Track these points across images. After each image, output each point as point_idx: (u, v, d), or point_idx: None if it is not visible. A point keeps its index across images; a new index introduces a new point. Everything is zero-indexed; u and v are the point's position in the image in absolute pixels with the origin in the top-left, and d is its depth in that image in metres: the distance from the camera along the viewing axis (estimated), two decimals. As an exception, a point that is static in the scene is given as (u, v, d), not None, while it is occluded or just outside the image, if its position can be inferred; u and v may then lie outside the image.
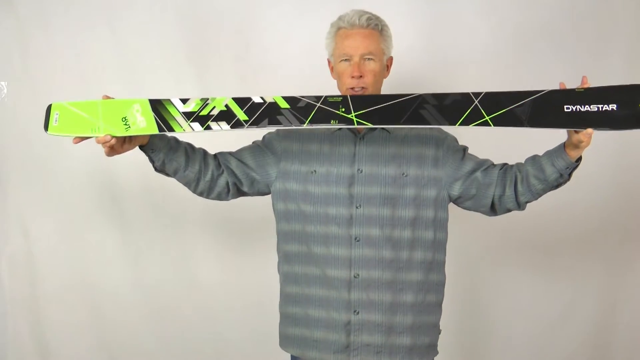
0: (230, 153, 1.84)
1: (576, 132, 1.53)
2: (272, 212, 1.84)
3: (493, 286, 2.65)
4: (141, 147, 1.69)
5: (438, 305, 1.81)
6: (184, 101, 1.64)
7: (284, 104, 1.62)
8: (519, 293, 2.64)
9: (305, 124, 1.61)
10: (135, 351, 2.71)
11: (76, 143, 1.64)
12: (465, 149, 1.81)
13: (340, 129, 1.77)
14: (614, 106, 1.51)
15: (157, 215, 2.67)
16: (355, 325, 1.72)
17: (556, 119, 1.53)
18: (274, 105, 1.62)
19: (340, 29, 1.74)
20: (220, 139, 1.79)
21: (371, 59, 1.71)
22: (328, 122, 1.61)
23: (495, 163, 1.77)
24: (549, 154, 1.64)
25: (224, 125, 1.62)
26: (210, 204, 1.94)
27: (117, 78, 2.58)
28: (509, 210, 1.77)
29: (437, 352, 1.84)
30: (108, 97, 1.65)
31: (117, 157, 1.68)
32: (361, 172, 1.73)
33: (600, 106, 1.51)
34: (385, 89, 1.77)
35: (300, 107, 1.62)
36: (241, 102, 1.63)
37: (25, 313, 2.71)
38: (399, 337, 1.73)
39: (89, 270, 2.69)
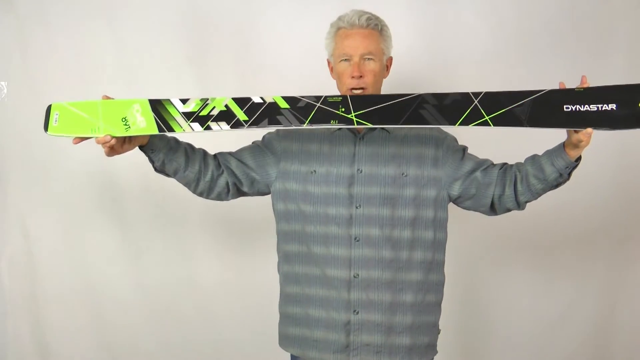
0: (230, 153, 1.84)
1: (576, 131, 1.53)
2: (272, 212, 1.84)
3: (493, 286, 2.65)
4: (141, 148, 1.69)
5: (437, 305, 1.81)
6: (184, 101, 1.64)
7: (283, 104, 1.62)
8: (518, 293, 2.64)
9: (305, 124, 1.61)
10: (135, 351, 2.71)
11: (76, 143, 1.64)
12: (464, 148, 1.81)
13: (340, 129, 1.77)
14: (613, 106, 1.51)
15: (157, 215, 2.67)
16: (355, 325, 1.72)
17: (556, 119, 1.53)
18: (273, 106, 1.62)
19: (340, 29, 1.74)
20: (220, 139, 1.79)
21: (371, 59, 1.71)
22: (328, 122, 1.60)
23: (494, 163, 1.77)
24: (549, 153, 1.64)
25: (223, 125, 1.62)
26: (210, 204, 1.94)
27: (117, 78, 2.58)
28: (508, 210, 1.77)
29: (436, 352, 1.84)
30: (108, 98, 1.65)
31: (117, 157, 1.68)
32: (361, 172, 1.73)
33: (599, 106, 1.51)
34: (385, 89, 1.77)
35: (300, 107, 1.62)
36: (241, 102, 1.63)
37: (25, 313, 2.71)
38: (399, 337, 1.73)
39: (89, 270, 2.69)
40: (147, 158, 1.73)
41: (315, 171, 1.75)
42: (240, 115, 1.62)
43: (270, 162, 1.81)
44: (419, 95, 1.60)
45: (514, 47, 2.52)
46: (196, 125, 1.62)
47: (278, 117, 1.62)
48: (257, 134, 1.82)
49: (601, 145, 1.81)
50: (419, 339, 1.76)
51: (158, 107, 1.63)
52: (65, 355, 2.71)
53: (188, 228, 2.68)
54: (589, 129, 1.51)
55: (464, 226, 2.30)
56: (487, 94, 1.57)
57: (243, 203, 2.05)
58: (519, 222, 2.40)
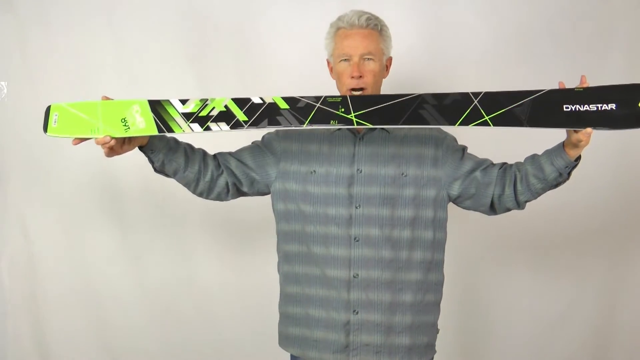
0: (229, 153, 1.84)
1: (575, 131, 1.53)
2: (272, 212, 1.84)
3: (492, 286, 2.65)
4: (140, 148, 1.69)
5: (437, 305, 1.81)
6: (183, 102, 1.64)
7: (283, 105, 1.62)
8: (518, 293, 2.64)
9: (305, 125, 1.61)
10: (135, 351, 2.71)
11: (76, 144, 1.64)
12: (464, 148, 1.80)
13: (339, 129, 1.77)
14: (613, 105, 1.51)
15: (157, 216, 2.67)
16: (354, 325, 1.72)
17: (555, 119, 1.53)
18: (273, 106, 1.62)
19: (340, 29, 1.74)
20: (220, 140, 1.79)
21: (371, 59, 1.71)
22: (328, 122, 1.60)
23: (494, 162, 1.77)
24: (548, 153, 1.64)
25: (223, 126, 1.62)
26: (210, 204, 1.94)
27: (116, 78, 2.58)
28: (508, 210, 1.77)
29: (435, 352, 1.84)
30: (107, 98, 1.65)
31: (117, 157, 1.68)
32: (360, 172, 1.73)
33: (599, 105, 1.51)
34: (385, 89, 1.77)
35: (299, 108, 1.62)
36: (241, 102, 1.63)
37: (26, 313, 2.71)
38: (398, 336, 1.73)
39: (89, 270, 2.69)
40: (146, 158, 1.73)
41: (315, 171, 1.75)
42: (240, 115, 1.62)
43: (269, 162, 1.81)
44: (419, 96, 1.59)
45: (514, 47, 2.52)
46: (196, 126, 1.62)
47: (278, 117, 1.62)
48: (256, 134, 1.82)
49: (601, 145, 1.81)
50: (419, 338, 1.76)
51: (157, 107, 1.63)
52: (65, 355, 2.71)
53: (188, 228, 2.68)
54: (589, 129, 1.51)
55: (463, 226, 2.30)
56: (487, 94, 1.57)
57: (243, 203, 2.05)
58: (519, 222, 2.40)
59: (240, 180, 1.81)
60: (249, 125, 1.62)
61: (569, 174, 1.63)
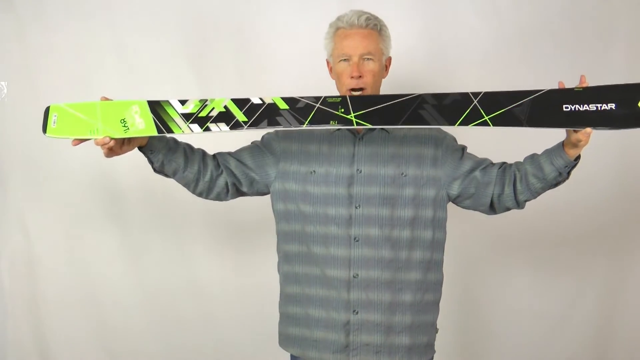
0: (229, 153, 1.83)
1: (575, 131, 1.53)
2: (272, 212, 1.84)
3: (492, 286, 2.65)
4: (140, 148, 1.69)
5: (436, 304, 1.82)
6: (183, 102, 1.63)
7: (283, 105, 1.62)
8: (518, 293, 2.64)
9: (305, 125, 1.61)
10: (135, 350, 2.71)
11: (75, 145, 1.63)
12: (464, 148, 1.80)
13: (339, 129, 1.77)
14: (612, 105, 1.51)
15: (157, 216, 2.67)
16: (354, 325, 1.72)
17: (555, 119, 1.53)
18: (273, 106, 1.62)
19: (339, 29, 1.74)
20: (219, 140, 1.79)
21: (370, 59, 1.71)
22: (327, 122, 1.60)
23: (493, 162, 1.77)
24: (548, 152, 1.64)
25: (223, 126, 1.62)
26: (210, 204, 1.94)
27: (116, 78, 2.58)
28: (508, 209, 1.77)
29: (434, 351, 1.84)
30: (106, 99, 1.65)
31: (117, 158, 1.68)
32: (360, 172, 1.73)
33: (599, 105, 1.51)
34: (386, 90, 1.77)
35: (299, 108, 1.61)
36: (240, 103, 1.63)
37: (25, 313, 2.71)
38: (398, 336, 1.73)
39: (89, 270, 2.69)
40: (146, 159, 1.73)
41: (314, 171, 1.75)
42: (240, 116, 1.62)
43: (269, 162, 1.81)
44: (419, 96, 1.59)
45: (514, 47, 2.52)
46: (195, 127, 1.62)
47: (277, 118, 1.61)
48: (256, 135, 1.82)
49: (602, 146, 1.81)
50: (418, 338, 1.76)
51: (157, 108, 1.63)
52: (64, 355, 2.71)
53: (188, 228, 2.68)
54: (588, 129, 1.51)
55: (463, 226, 2.30)
56: (487, 94, 1.57)
57: (243, 204, 2.06)
58: (519, 222, 2.40)
59: (239, 180, 1.81)
60: (248, 126, 1.62)
61: (569, 173, 1.63)
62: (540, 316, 2.64)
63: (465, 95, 1.58)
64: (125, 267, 2.69)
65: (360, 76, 1.69)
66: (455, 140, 1.82)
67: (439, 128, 1.80)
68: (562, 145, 1.60)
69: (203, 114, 1.62)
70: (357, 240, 1.71)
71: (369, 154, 1.74)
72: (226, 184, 1.80)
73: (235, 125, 1.62)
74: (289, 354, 1.86)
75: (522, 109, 1.55)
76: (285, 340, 1.84)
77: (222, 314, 2.69)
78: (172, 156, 1.72)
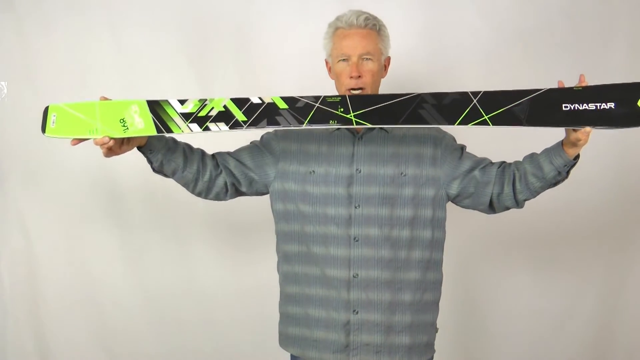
0: (228, 153, 1.83)
1: (574, 130, 1.53)
2: (272, 212, 1.84)
3: (492, 285, 2.65)
4: (139, 148, 1.69)
5: (435, 304, 1.82)
6: (182, 102, 1.63)
7: (282, 105, 1.62)
8: (518, 293, 2.64)
9: (304, 125, 1.61)
10: (134, 350, 2.71)
11: (74, 145, 1.63)
12: (463, 147, 1.80)
13: (338, 129, 1.77)
14: (612, 104, 1.51)
15: (157, 216, 2.67)
16: (354, 324, 1.72)
17: (555, 118, 1.53)
18: (272, 106, 1.62)
19: (338, 29, 1.74)
20: (219, 140, 1.78)
21: (369, 59, 1.71)
22: (327, 122, 1.60)
23: (493, 161, 1.76)
24: (547, 152, 1.64)
25: (222, 126, 1.62)
26: (210, 204, 1.94)
27: (116, 78, 2.58)
28: (507, 208, 1.77)
29: (434, 351, 1.84)
30: (105, 99, 1.65)
31: (116, 157, 1.68)
32: (360, 172, 1.73)
33: (598, 104, 1.51)
34: (385, 89, 1.77)
35: (298, 108, 1.61)
36: (240, 102, 1.63)
37: (25, 313, 2.71)
38: (398, 336, 1.73)
39: (89, 270, 2.70)
40: (145, 159, 1.73)
41: (314, 171, 1.75)
42: (239, 115, 1.62)
43: (268, 162, 1.81)
44: (418, 95, 1.59)
45: (514, 47, 2.51)
46: (195, 126, 1.62)
47: (277, 117, 1.61)
48: (255, 134, 1.82)
49: (602, 145, 1.81)
50: (418, 338, 1.76)
51: (156, 108, 1.63)
52: (64, 354, 2.71)
53: (188, 229, 2.68)
54: (588, 128, 1.51)
55: (463, 225, 2.30)
56: (486, 93, 1.57)
57: (242, 204, 2.06)
58: (519, 222, 2.40)
59: (238, 180, 1.81)
60: (248, 126, 1.62)
61: (568, 172, 1.63)
62: (540, 316, 2.63)
63: (464, 95, 1.58)
64: (125, 267, 2.69)
65: (359, 76, 1.69)
66: (455, 140, 1.82)
67: (438, 127, 1.80)
68: (562, 144, 1.60)
69: (202, 113, 1.62)
70: (356, 240, 1.71)
71: (369, 154, 1.74)
72: (225, 183, 1.80)
73: (235, 125, 1.62)
74: (289, 354, 1.86)
75: (522, 108, 1.55)
76: (285, 340, 1.84)
77: (222, 314, 2.69)
78: (172, 156, 1.72)
